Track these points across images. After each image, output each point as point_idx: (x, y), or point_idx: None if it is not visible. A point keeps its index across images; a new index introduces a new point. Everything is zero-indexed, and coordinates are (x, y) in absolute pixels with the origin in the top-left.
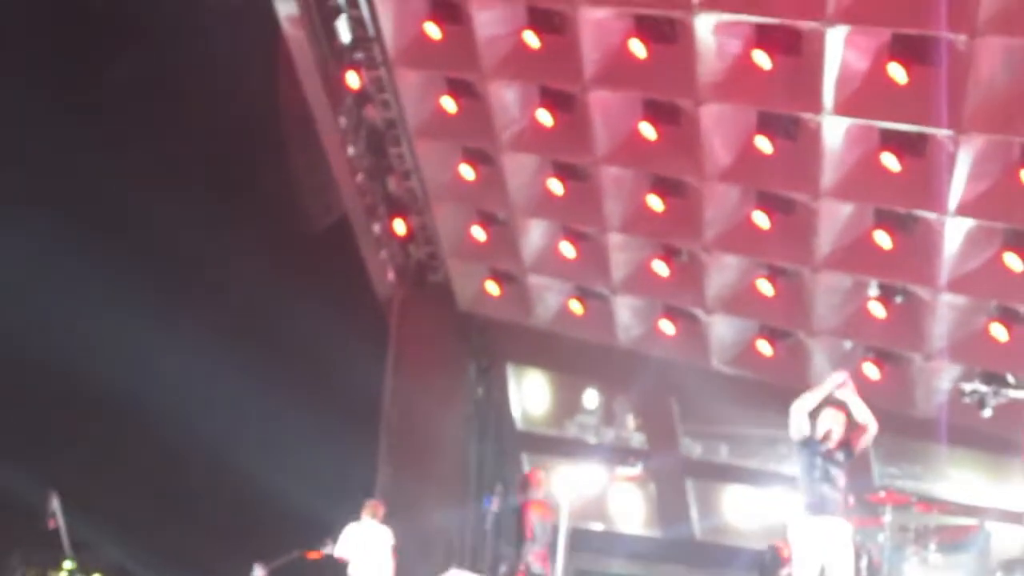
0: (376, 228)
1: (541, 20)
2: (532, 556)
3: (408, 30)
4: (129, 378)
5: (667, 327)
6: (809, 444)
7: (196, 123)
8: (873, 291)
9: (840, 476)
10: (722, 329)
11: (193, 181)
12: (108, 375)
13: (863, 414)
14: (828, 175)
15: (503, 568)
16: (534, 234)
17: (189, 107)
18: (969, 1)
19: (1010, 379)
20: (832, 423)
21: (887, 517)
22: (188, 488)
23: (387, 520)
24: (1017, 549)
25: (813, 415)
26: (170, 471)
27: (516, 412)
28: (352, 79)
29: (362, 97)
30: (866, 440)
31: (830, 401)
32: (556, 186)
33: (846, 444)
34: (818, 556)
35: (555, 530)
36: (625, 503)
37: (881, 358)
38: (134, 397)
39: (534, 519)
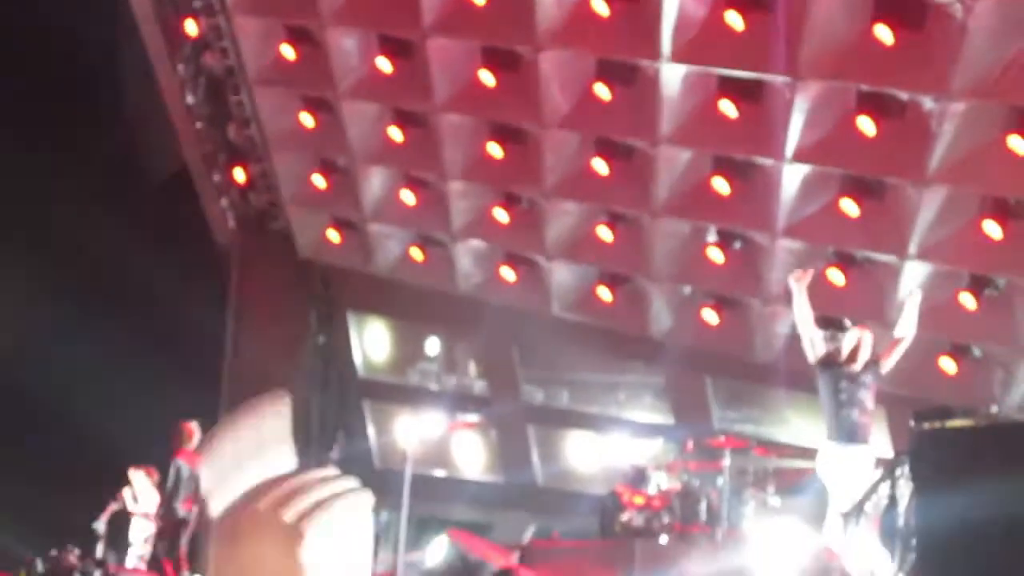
0: (216, 176)
1: None
2: (180, 503)
3: None
4: None
5: (508, 274)
6: (831, 366)
7: (35, 73)
8: (712, 237)
9: (868, 399)
10: (562, 275)
11: (33, 131)
12: None
13: (906, 326)
14: (666, 122)
15: None
16: (374, 181)
17: (27, 57)
18: None
19: (847, 323)
20: (858, 343)
21: (726, 461)
22: (23, 438)
23: None
24: None
25: (833, 337)
26: (3, 421)
27: (358, 360)
28: (191, 27)
29: (201, 45)
30: (898, 353)
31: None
32: (396, 134)
33: (874, 363)
34: (848, 487)
35: (197, 479)
36: (467, 450)
37: (720, 303)
38: None
39: (183, 468)
